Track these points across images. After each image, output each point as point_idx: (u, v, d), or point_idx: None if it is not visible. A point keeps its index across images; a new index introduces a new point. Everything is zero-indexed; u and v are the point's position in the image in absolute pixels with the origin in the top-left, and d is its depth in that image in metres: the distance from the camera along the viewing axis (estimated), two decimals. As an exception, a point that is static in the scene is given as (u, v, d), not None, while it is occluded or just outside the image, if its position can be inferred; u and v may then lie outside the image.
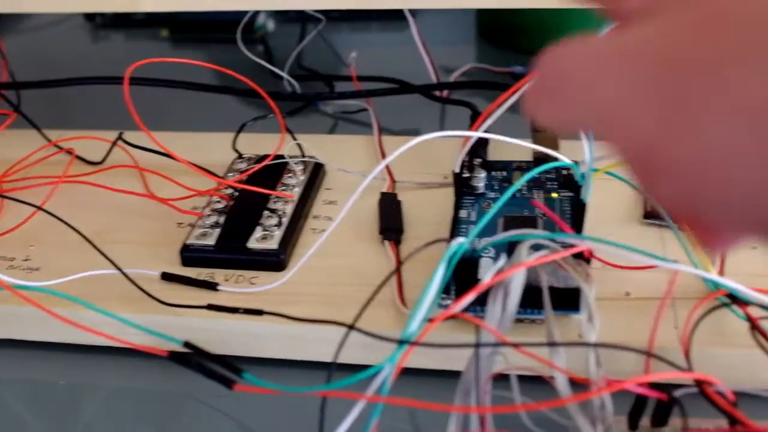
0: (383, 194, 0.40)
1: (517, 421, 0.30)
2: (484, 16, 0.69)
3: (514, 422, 0.30)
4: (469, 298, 0.28)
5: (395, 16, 0.62)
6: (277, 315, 0.33)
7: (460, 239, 0.30)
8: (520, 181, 0.32)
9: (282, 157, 0.43)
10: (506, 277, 0.29)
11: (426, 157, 0.44)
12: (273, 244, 0.38)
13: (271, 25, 0.73)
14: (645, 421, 0.30)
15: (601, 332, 0.33)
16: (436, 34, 0.70)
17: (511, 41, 0.66)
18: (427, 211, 0.41)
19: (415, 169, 0.44)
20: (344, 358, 0.30)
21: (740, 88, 0.16)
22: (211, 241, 0.38)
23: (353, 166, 0.44)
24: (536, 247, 0.30)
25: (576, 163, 0.36)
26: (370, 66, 0.63)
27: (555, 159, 0.36)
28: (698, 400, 0.28)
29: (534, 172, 0.33)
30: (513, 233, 0.30)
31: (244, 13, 0.63)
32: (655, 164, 0.18)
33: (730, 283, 0.31)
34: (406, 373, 0.34)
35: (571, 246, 0.30)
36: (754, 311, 0.31)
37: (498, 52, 0.66)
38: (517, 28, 0.65)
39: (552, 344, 0.28)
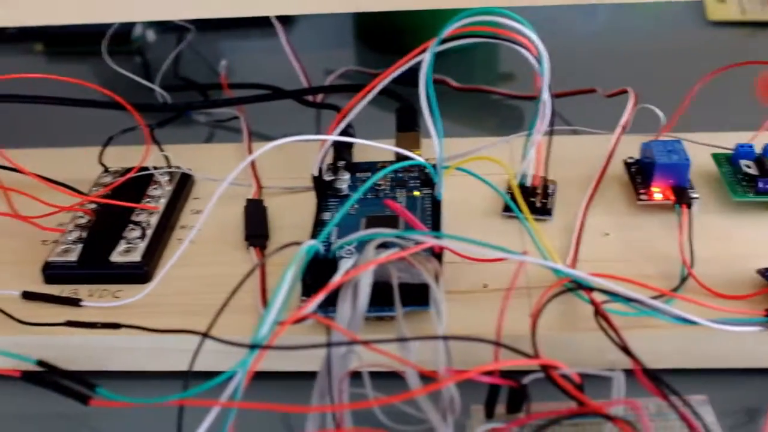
0: (249, 201, 0.41)
1: (376, 418, 0.30)
2: (361, 19, 0.70)
3: (373, 420, 0.30)
4: (318, 299, 0.28)
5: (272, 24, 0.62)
6: (134, 327, 0.33)
7: (311, 241, 0.30)
8: (370, 181, 0.33)
9: (147, 169, 0.42)
10: (354, 276, 0.29)
11: (294, 162, 0.45)
12: (136, 256, 0.38)
13: (151, 36, 0.72)
14: (501, 409, 0.31)
15: (460, 324, 0.34)
16: (315, 39, 0.71)
17: (388, 43, 0.66)
18: (295, 215, 0.41)
19: (282, 174, 0.45)
20: (204, 366, 0.30)
21: None
22: (73, 257, 0.38)
23: (223, 175, 0.44)
24: (390, 246, 0.31)
25: (429, 161, 0.37)
26: (246, 74, 0.63)
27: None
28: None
29: (382, 173, 0.33)
30: (363, 233, 0.31)
31: (122, 25, 0.63)
32: None
33: (572, 270, 0.32)
34: (269, 376, 0.35)
35: (420, 243, 0.30)
36: (599, 296, 0.32)
37: (376, 54, 0.67)
38: (393, 30, 0.66)
39: (400, 339, 0.29)
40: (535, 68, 0.35)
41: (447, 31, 0.33)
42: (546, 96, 0.35)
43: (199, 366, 0.30)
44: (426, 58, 0.33)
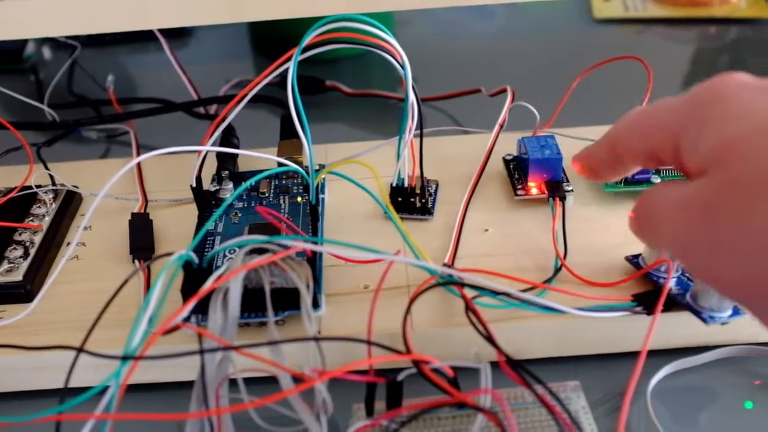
0: (134, 215, 0.41)
1: (254, 423, 0.31)
2: (256, 29, 0.70)
3: (252, 425, 0.31)
4: (189, 306, 0.29)
5: (173, 35, 0.62)
6: (9, 347, 0.33)
7: (182, 251, 0.31)
8: (242, 187, 0.33)
9: (30, 188, 0.42)
10: (224, 282, 0.30)
11: (180, 175, 0.45)
12: (18, 276, 0.38)
13: (47, 53, 0.72)
14: (381, 406, 0.32)
15: (341, 326, 0.35)
16: (214, 51, 0.71)
17: (282, 51, 0.67)
18: (181, 227, 0.41)
19: (169, 187, 0.45)
20: (84, 382, 0.30)
21: (758, 225, 0.24)
22: (-47, 279, 0.38)
23: (111, 190, 0.44)
24: (264, 252, 0.32)
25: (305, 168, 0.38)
26: (143, 88, 0.63)
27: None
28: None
29: (252, 180, 0.34)
30: (235, 240, 0.32)
31: (10, 42, 0.62)
32: (714, 281, 0.26)
33: (441, 267, 0.33)
34: (152, 388, 0.35)
35: (289, 247, 0.31)
36: (469, 291, 0.33)
37: (271, 63, 0.67)
38: (287, 38, 0.66)
39: (271, 343, 0.29)
40: (399, 72, 0.36)
41: (308, 39, 0.34)
42: (412, 97, 0.36)
43: (81, 382, 0.30)
44: (291, 66, 0.34)
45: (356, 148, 0.44)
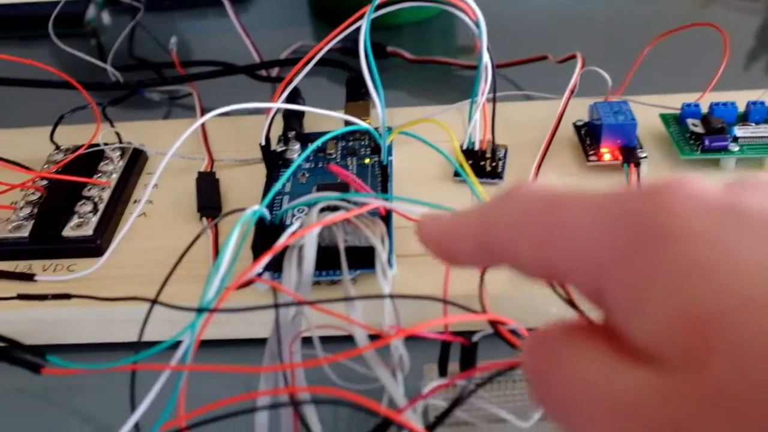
0: (200, 173, 0.41)
1: (328, 378, 0.31)
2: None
3: (325, 380, 0.31)
4: (263, 261, 0.29)
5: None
6: (84, 297, 0.33)
7: (255, 206, 0.30)
8: (315, 144, 0.33)
9: (98, 145, 0.42)
10: (298, 238, 0.29)
11: (245, 135, 0.45)
12: (88, 230, 0.38)
13: (107, 18, 0.72)
14: (454, 367, 0.31)
15: (411, 287, 0.34)
16: (272, 18, 0.71)
17: (342, 18, 0.66)
18: (247, 187, 0.41)
19: (234, 147, 0.45)
20: (155, 336, 0.30)
21: None
22: (25, 233, 0.38)
23: (177, 149, 0.44)
24: (338, 210, 0.31)
25: (375, 128, 0.37)
26: (201, 52, 0.63)
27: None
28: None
29: (326, 137, 0.34)
30: (308, 197, 0.31)
31: (72, 6, 0.62)
32: None
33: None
34: (222, 343, 0.35)
35: (363, 205, 0.31)
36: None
37: (331, 29, 0.67)
38: (345, 4, 0.65)
39: (346, 299, 0.29)
40: (473, 32, 0.35)
41: (382, -4, 0.33)
42: (486, 59, 0.35)
43: (153, 336, 0.30)
44: (363, 24, 0.33)
45: (419, 113, 0.44)
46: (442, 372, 0.31)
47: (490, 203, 0.21)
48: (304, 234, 0.29)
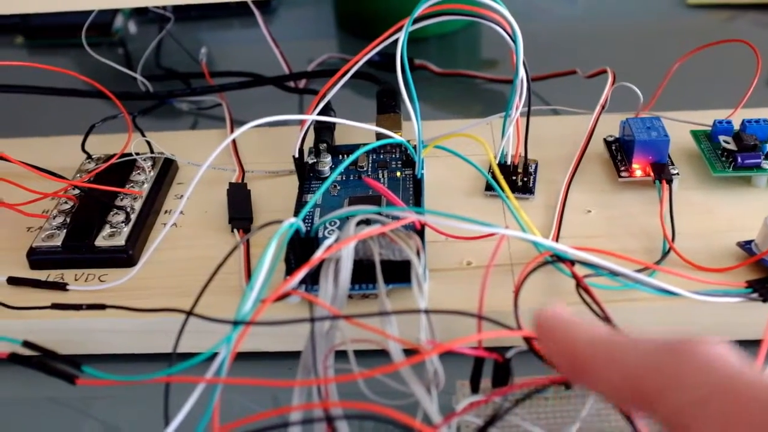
0: (231, 184, 0.41)
1: (362, 393, 0.31)
2: (342, 7, 0.70)
3: (359, 395, 0.31)
4: (300, 274, 0.29)
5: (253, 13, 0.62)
6: (119, 308, 0.33)
7: (292, 218, 0.30)
8: (351, 158, 0.33)
9: (130, 154, 0.43)
10: (335, 252, 0.29)
11: (276, 147, 0.45)
12: (120, 240, 0.38)
13: (133, 27, 0.72)
14: (486, 383, 0.31)
15: (444, 302, 0.34)
16: (297, 29, 0.71)
17: (368, 30, 0.67)
18: (278, 198, 0.41)
19: (265, 158, 0.45)
20: (189, 348, 0.30)
21: None
22: (57, 242, 0.38)
23: (206, 160, 0.44)
24: (372, 223, 0.31)
25: (407, 141, 0.37)
26: (228, 63, 0.63)
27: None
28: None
29: (361, 151, 0.33)
30: (343, 210, 0.31)
31: (100, 16, 0.63)
32: None
33: (553, 243, 0.33)
34: (255, 356, 0.35)
35: (399, 219, 0.31)
36: (580, 270, 0.32)
37: (357, 41, 0.67)
38: (373, 17, 0.66)
39: (382, 314, 0.29)
40: (509, 45, 0.35)
41: (420, 9, 0.33)
42: (522, 73, 0.35)
43: (185, 348, 0.30)
44: (401, 36, 0.33)
45: (447, 126, 0.44)
46: (475, 388, 0.31)
47: (653, 351, 0.21)
48: (341, 248, 0.29)
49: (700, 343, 0.20)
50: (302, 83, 0.55)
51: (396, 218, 0.31)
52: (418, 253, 0.31)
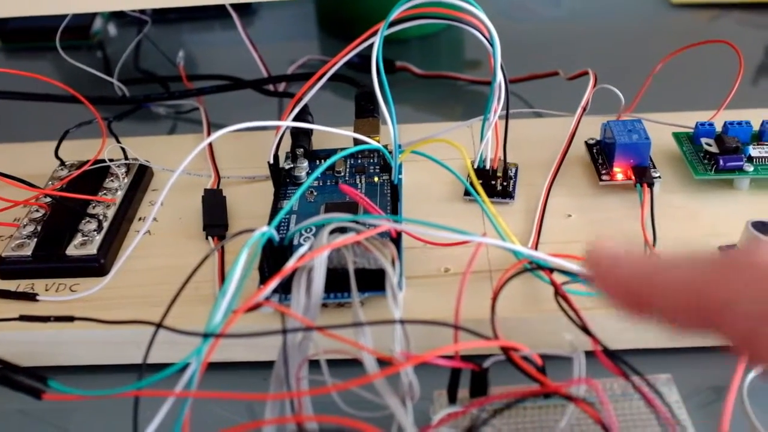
0: (206, 191, 0.40)
1: (336, 406, 0.30)
2: (323, 8, 0.69)
3: (333, 407, 0.30)
4: (272, 284, 0.28)
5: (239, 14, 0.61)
6: (87, 320, 0.32)
7: (264, 228, 0.30)
8: (325, 164, 0.32)
9: (103, 161, 0.42)
10: (308, 261, 0.29)
11: (253, 152, 0.44)
12: (92, 249, 0.37)
13: (113, 30, 0.72)
14: (464, 393, 0.31)
15: (421, 310, 0.34)
16: (278, 31, 0.70)
17: (350, 31, 0.66)
18: (255, 205, 0.41)
19: (242, 164, 0.44)
20: (160, 359, 0.29)
21: None
22: (27, 251, 0.37)
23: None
24: (347, 231, 0.31)
25: (385, 146, 0.37)
26: (207, 66, 0.63)
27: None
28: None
29: (337, 157, 0.33)
30: (317, 218, 0.31)
31: (79, 18, 0.62)
32: None
33: (531, 251, 0.32)
34: (228, 367, 0.34)
35: (374, 227, 0.30)
36: (559, 277, 0.32)
37: (339, 43, 0.66)
38: (354, 18, 0.65)
39: (356, 325, 0.28)
40: (487, 49, 0.34)
41: (396, 13, 0.33)
42: (500, 77, 0.34)
43: (156, 358, 0.29)
44: (376, 40, 0.33)
45: (428, 130, 0.43)
46: (452, 398, 0.31)
47: (712, 267, 0.22)
48: (314, 257, 0.29)
49: (753, 255, 0.22)
50: (282, 86, 0.54)
51: (372, 225, 0.30)
52: (393, 263, 0.30)
